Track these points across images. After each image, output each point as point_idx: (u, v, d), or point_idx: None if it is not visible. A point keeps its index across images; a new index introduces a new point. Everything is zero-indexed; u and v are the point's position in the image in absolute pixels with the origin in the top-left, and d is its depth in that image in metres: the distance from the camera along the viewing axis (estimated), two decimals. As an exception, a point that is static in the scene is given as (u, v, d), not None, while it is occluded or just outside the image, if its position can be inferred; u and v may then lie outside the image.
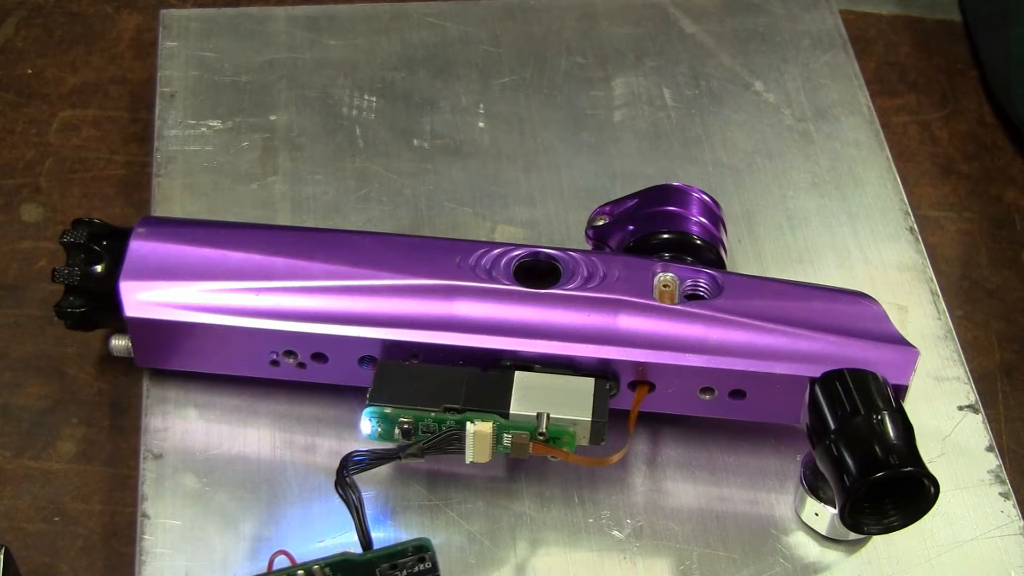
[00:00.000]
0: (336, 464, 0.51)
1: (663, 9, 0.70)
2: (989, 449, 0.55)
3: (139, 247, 0.52)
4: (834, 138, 0.65)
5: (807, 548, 0.52)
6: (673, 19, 0.70)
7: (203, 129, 0.64)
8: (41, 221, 0.64)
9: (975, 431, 0.55)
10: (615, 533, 0.52)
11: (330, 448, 0.54)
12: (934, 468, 0.50)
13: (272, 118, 0.65)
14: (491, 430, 0.49)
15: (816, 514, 0.51)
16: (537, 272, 0.52)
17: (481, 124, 0.65)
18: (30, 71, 0.70)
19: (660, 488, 0.53)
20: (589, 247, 0.56)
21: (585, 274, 0.52)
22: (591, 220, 0.57)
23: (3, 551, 0.49)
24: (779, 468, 0.54)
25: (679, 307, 0.51)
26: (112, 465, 0.56)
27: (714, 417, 0.53)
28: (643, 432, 0.53)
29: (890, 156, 0.64)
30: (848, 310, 0.51)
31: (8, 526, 0.53)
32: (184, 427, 0.54)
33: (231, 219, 0.60)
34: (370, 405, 0.49)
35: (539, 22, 0.70)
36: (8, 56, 0.71)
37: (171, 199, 0.61)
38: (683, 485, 0.54)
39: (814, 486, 0.51)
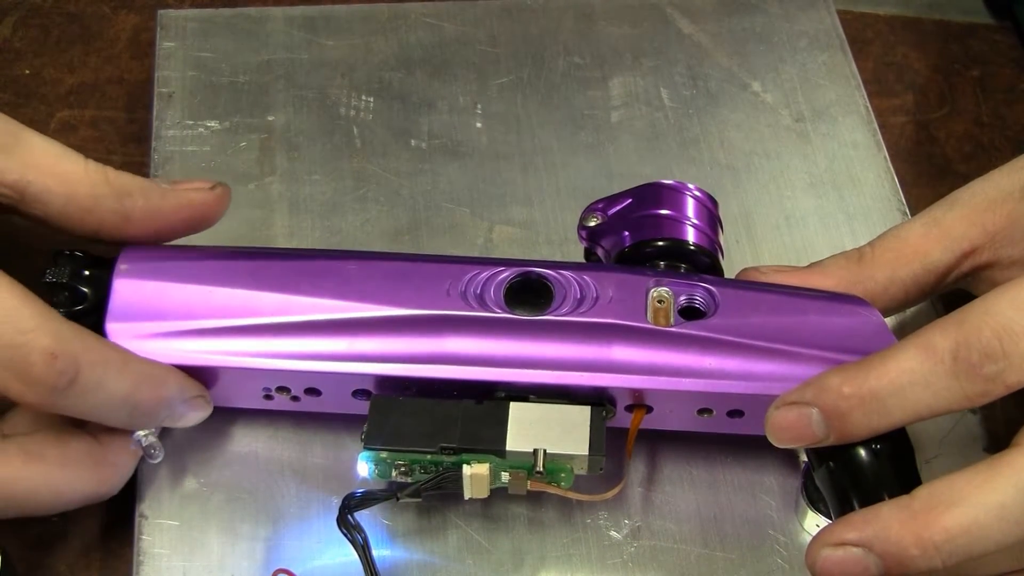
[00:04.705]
0: (332, 462, 0.52)
1: (660, 9, 0.70)
2: (986, 450, 0.55)
3: (123, 286, 0.51)
4: (832, 138, 0.65)
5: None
6: (670, 19, 0.70)
7: (200, 129, 0.64)
8: (33, 225, 0.64)
9: (972, 432, 0.55)
10: (613, 534, 0.52)
11: (327, 448, 0.54)
12: (931, 469, 0.50)
13: (270, 118, 0.65)
14: (488, 471, 0.49)
15: (817, 525, 0.51)
16: (529, 290, 0.52)
17: (478, 124, 0.65)
18: (27, 71, 0.70)
19: (658, 488, 0.53)
20: (582, 246, 0.56)
21: (577, 296, 0.51)
22: (583, 219, 0.56)
23: (1, 551, 0.49)
24: (778, 467, 0.54)
25: (674, 330, 0.50)
26: (110, 466, 0.56)
27: (713, 433, 0.52)
28: (641, 432, 0.53)
29: (887, 156, 0.65)
30: (847, 323, 0.51)
31: (6, 526, 0.53)
32: (180, 427, 0.54)
33: (228, 219, 0.60)
34: (366, 449, 0.49)
35: (536, 22, 0.70)
36: (5, 56, 0.71)
37: (169, 199, 0.61)
38: (681, 485, 0.54)
39: (814, 499, 0.51)
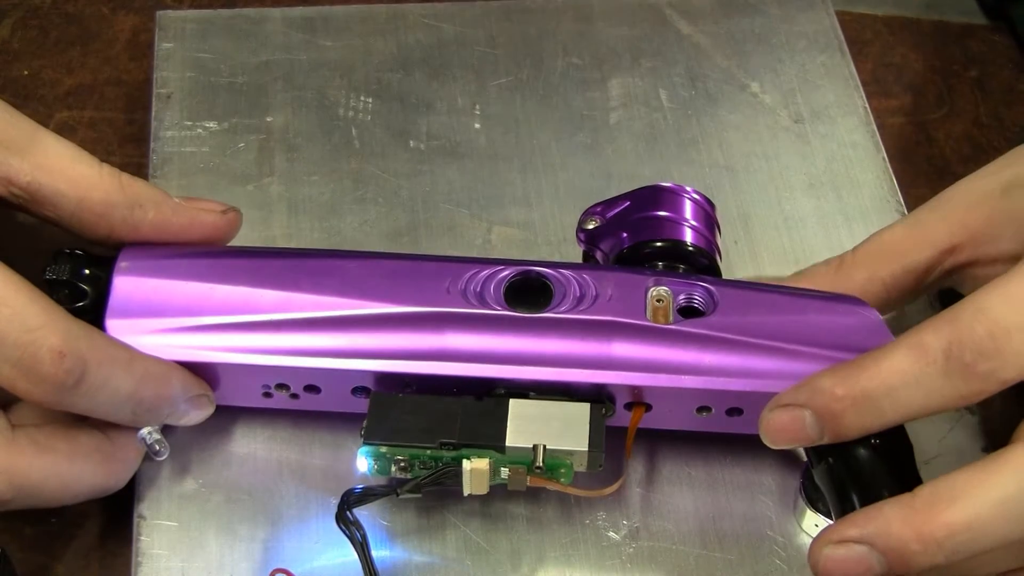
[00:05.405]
0: (330, 463, 0.51)
1: (659, 10, 0.70)
2: (985, 450, 0.55)
3: (123, 283, 0.51)
4: (830, 139, 0.65)
5: (805, 550, 0.52)
6: (669, 20, 0.70)
7: (199, 130, 0.64)
8: (37, 223, 0.64)
9: (971, 433, 0.55)
10: (611, 534, 0.52)
11: (325, 449, 0.54)
12: (931, 469, 0.50)
13: (268, 119, 0.65)
14: (487, 466, 0.49)
15: (816, 525, 0.51)
16: (529, 289, 0.52)
17: (477, 125, 0.65)
18: (26, 72, 0.70)
19: (657, 489, 0.53)
20: (580, 249, 0.56)
21: (577, 294, 0.51)
22: (582, 222, 0.56)
23: (1, 552, 0.49)
24: (776, 467, 0.54)
25: (673, 327, 0.50)
26: (108, 466, 0.56)
27: (712, 432, 0.52)
28: (640, 433, 0.53)
29: (886, 157, 0.65)
30: (845, 321, 0.51)
31: (5, 527, 0.53)
32: (180, 428, 0.54)
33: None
34: (366, 444, 0.49)
35: (535, 23, 0.70)
36: (4, 57, 0.71)
37: (167, 200, 0.61)
38: (680, 486, 0.54)
39: (813, 498, 0.51)
